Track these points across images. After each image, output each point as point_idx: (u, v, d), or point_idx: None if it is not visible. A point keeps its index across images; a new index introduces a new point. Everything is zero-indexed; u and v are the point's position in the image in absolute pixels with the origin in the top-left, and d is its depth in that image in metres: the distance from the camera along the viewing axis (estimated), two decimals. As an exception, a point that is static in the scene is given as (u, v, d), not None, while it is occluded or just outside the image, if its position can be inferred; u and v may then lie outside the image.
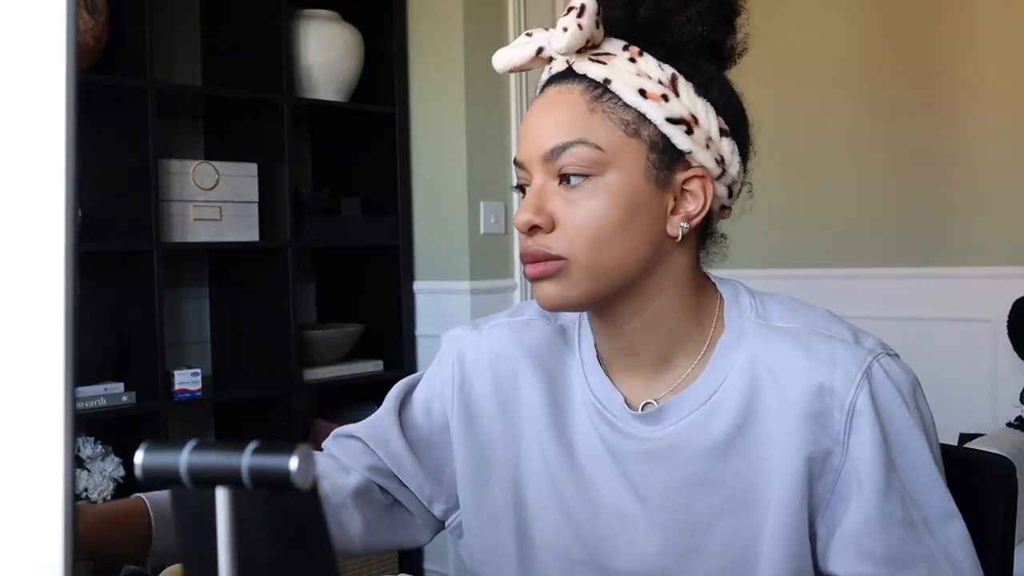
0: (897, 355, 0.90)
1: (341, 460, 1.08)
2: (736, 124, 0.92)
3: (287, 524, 0.47)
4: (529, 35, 0.92)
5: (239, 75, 2.66)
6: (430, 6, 2.86)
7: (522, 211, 0.88)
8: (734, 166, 0.91)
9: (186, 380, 2.43)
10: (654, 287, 0.90)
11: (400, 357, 2.86)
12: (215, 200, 2.53)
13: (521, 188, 0.92)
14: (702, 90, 0.89)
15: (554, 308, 0.90)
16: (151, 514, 0.93)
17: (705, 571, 0.89)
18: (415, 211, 2.93)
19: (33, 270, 0.44)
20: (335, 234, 2.78)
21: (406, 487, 1.07)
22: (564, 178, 0.87)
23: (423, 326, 2.90)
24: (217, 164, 2.55)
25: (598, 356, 0.98)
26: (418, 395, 1.10)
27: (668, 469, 0.91)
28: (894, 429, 0.86)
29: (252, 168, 2.61)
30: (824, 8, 3.06)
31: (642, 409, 0.94)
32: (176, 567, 0.91)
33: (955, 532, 0.86)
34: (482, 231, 2.83)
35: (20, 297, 0.45)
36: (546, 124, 0.89)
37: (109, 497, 2.24)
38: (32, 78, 0.45)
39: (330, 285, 3.04)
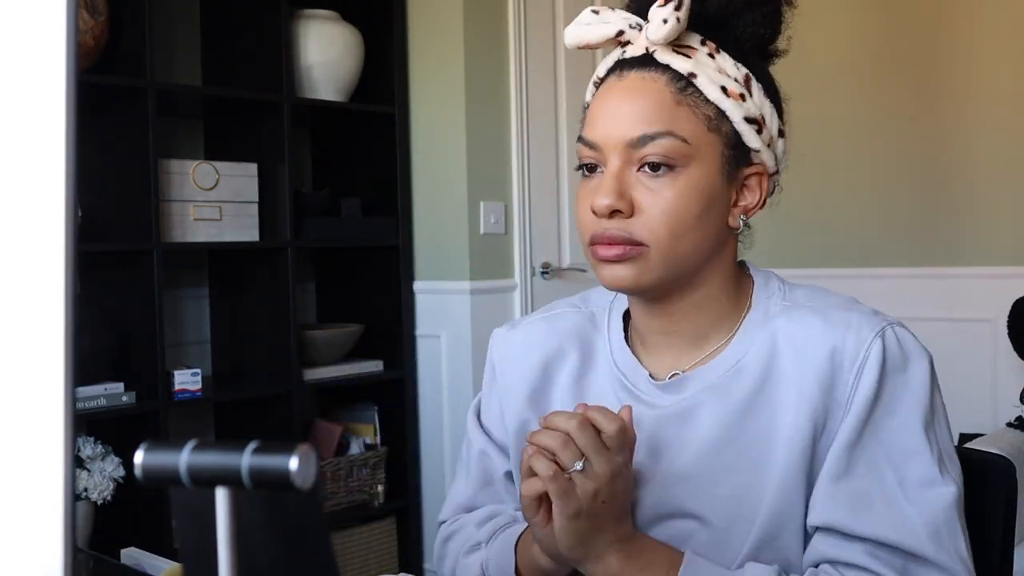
0: (913, 334, 0.93)
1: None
2: (783, 127, 0.97)
3: (287, 524, 0.47)
4: (596, 12, 0.92)
5: (239, 75, 2.66)
6: (430, 6, 2.86)
7: (603, 195, 0.88)
8: (783, 163, 0.97)
9: (186, 380, 2.43)
10: (708, 273, 0.94)
11: (400, 357, 2.86)
12: (215, 200, 2.53)
13: (585, 167, 0.93)
14: (769, 91, 0.93)
15: (624, 290, 0.93)
16: None
17: (710, 523, 0.92)
18: (415, 211, 2.93)
19: (33, 270, 0.44)
20: (335, 234, 2.78)
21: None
22: (646, 165, 0.89)
23: (423, 326, 2.90)
24: (217, 164, 2.55)
25: (626, 337, 1.02)
26: (490, 409, 1.11)
27: (685, 430, 0.94)
28: (889, 390, 0.88)
29: (252, 168, 2.61)
30: (827, 8, 3.06)
31: (669, 379, 0.97)
32: (176, 567, 0.91)
33: (936, 497, 0.86)
34: (482, 231, 2.83)
35: (20, 297, 0.45)
36: (632, 110, 0.89)
37: (109, 497, 2.24)
38: (32, 78, 0.45)
39: (330, 285, 3.04)
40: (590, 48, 0.94)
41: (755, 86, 0.92)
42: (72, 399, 0.44)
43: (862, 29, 3.05)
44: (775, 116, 0.94)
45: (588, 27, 0.92)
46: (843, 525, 0.86)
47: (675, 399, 0.95)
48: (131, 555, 1.39)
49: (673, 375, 0.97)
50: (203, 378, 2.49)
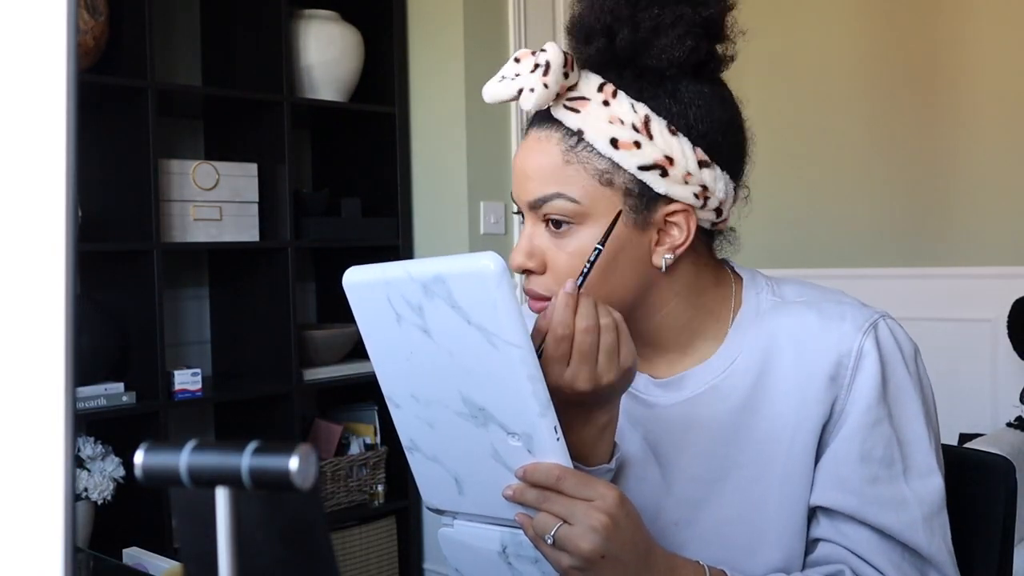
0: (901, 325, 0.95)
1: None
2: (721, 143, 0.92)
3: (287, 524, 0.47)
4: (517, 60, 0.92)
5: (239, 75, 2.66)
6: (430, 6, 2.86)
7: (514, 253, 0.93)
8: (719, 191, 0.92)
9: (186, 380, 2.43)
10: (653, 305, 0.95)
11: (400, 357, 2.85)
12: (215, 200, 2.53)
13: (522, 214, 0.96)
14: (679, 123, 0.89)
15: None
16: None
17: (716, 519, 0.94)
18: (415, 211, 2.93)
19: (33, 270, 0.44)
20: (335, 234, 2.78)
21: None
22: (549, 222, 0.91)
23: (423, 326, 2.90)
24: (217, 164, 2.55)
25: None
26: None
27: (687, 431, 0.95)
28: (893, 379, 0.90)
29: (252, 168, 2.61)
30: (825, 9, 3.06)
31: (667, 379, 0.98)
32: (176, 567, 0.92)
33: (933, 487, 0.90)
34: (482, 231, 2.83)
35: (20, 297, 0.45)
36: (528, 171, 0.92)
37: (109, 497, 2.24)
38: (32, 78, 0.45)
39: (330, 285, 3.04)
40: (508, 102, 0.94)
41: (656, 126, 0.88)
42: (72, 399, 0.44)
43: (860, 29, 3.05)
44: (687, 150, 0.89)
45: (498, 85, 0.92)
46: (853, 510, 0.88)
47: (675, 398, 0.97)
48: (133, 555, 1.39)
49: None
50: (203, 378, 2.49)
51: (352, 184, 2.95)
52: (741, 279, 1.00)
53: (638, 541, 0.82)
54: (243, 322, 2.74)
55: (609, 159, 0.88)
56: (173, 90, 2.54)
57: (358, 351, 2.85)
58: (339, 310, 2.99)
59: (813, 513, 0.92)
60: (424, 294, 0.78)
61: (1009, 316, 2.55)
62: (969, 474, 1.01)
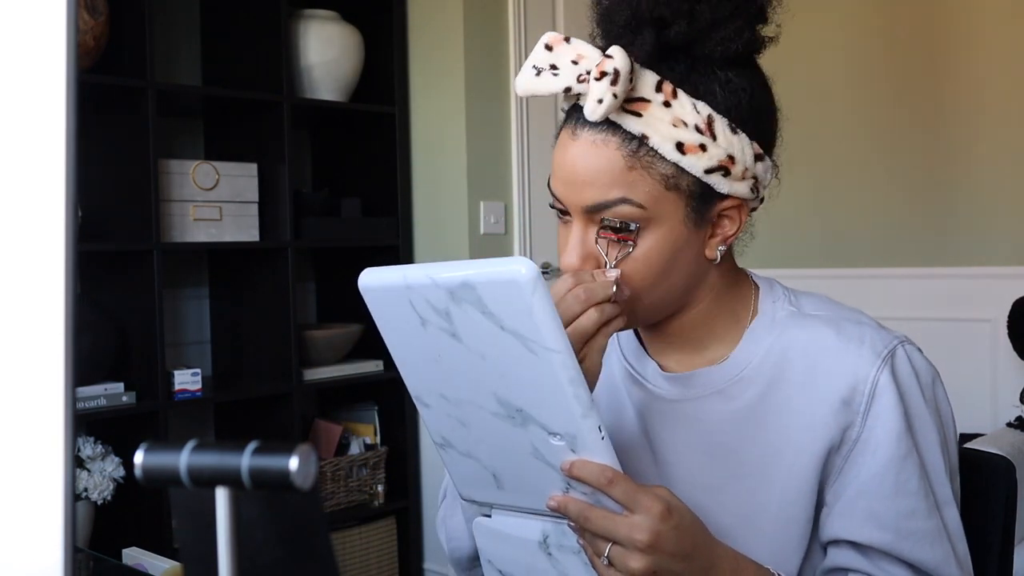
0: (920, 350, 0.94)
1: None
2: (767, 128, 0.93)
3: (287, 524, 0.47)
4: (549, 48, 0.86)
5: (239, 75, 2.66)
6: (430, 6, 2.86)
7: (568, 254, 0.89)
8: (766, 179, 0.93)
9: (186, 380, 2.43)
10: (694, 299, 0.95)
11: (400, 357, 2.85)
12: (215, 200, 2.53)
13: (559, 211, 0.92)
14: (736, 119, 0.88)
15: None
16: None
17: (711, 527, 0.91)
18: (415, 211, 2.93)
19: (33, 270, 0.44)
20: (335, 234, 2.78)
21: None
22: (607, 227, 0.88)
23: (423, 326, 2.90)
24: (217, 164, 2.55)
25: (636, 333, 1.02)
26: None
27: (689, 431, 0.94)
28: (911, 408, 0.89)
29: (252, 168, 2.61)
30: (828, 8, 3.06)
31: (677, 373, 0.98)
32: (176, 567, 0.92)
33: (953, 516, 0.90)
34: (482, 231, 2.83)
35: (20, 297, 0.45)
36: (584, 176, 0.87)
37: (109, 497, 2.24)
38: (32, 78, 0.45)
39: (330, 285, 3.04)
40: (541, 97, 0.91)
41: (719, 125, 0.86)
42: (72, 399, 0.44)
43: (863, 28, 3.05)
44: (747, 147, 0.88)
45: (536, 80, 0.86)
46: (888, 546, 0.87)
47: (680, 393, 0.96)
48: (132, 555, 1.39)
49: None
50: (203, 378, 2.49)
51: (352, 184, 2.95)
52: (759, 287, 0.99)
53: (690, 551, 0.80)
54: (243, 322, 2.74)
55: (674, 164, 0.85)
56: (173, 90, 2.54)
57: (358, 351, 2.86)
58: (339, 310, 2.99)
59: (835, 543, 0.90)
60: (451, 300, 0.76)
61: (1009, 316, 2.55)
62: (969, 474, 1.01)
